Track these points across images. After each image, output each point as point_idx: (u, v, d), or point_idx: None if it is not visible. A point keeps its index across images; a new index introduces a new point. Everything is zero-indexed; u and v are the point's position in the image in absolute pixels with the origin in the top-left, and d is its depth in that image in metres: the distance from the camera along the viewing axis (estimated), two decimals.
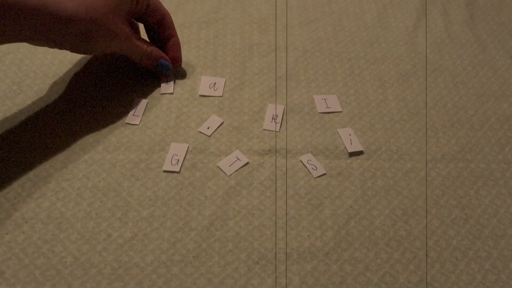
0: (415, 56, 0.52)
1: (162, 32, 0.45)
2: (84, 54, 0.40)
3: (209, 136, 0.43)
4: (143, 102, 0.45)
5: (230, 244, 0.36)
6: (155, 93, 0.46)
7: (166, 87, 0.46)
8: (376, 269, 0.36)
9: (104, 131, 0.42)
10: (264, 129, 0.44)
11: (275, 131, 0.44)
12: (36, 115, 0.43)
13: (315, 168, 0.41)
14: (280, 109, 0.45)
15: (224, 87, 0.47)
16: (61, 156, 0.40)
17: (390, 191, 0.40)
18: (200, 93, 0.46)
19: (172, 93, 0.46)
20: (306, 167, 0.41)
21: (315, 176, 0.41)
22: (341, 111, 0.46)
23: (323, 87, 0.48)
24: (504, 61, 0.52)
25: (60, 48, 0.38)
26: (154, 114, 0.44)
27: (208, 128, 0.43)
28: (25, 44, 0.49)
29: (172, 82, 0.47)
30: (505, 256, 0.37)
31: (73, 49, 0.39)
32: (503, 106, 0.47)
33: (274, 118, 0.44)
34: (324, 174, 0.41)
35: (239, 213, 0.38)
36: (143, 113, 0.44)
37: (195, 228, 0.37)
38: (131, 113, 0.44)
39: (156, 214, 0.38)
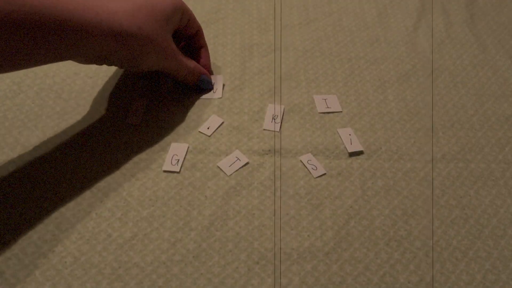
0: (415, 56, 0.52)
1: (195, 43, 0.46)
2: (131, 70, 0.40)
3: (209, 136, 0.43)
4: (143, 102, 0.45)
5: (230, 244, 0.36)
6: (155, 93, 0.46)
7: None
8: (376, 269, 0.36)
9: (104, 131, 0.42)
10: (264, 129, 0.44)
11: (275, 131, 0.44)
12: (36, 115, 0.43)
13: (315, 168, 0.41)
14: (280, 109, 0.45)
15: (223, 88, 0.47)
16: (60, 156, 0.40)
17: (390, 191, 0.40)
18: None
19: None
20: (306, 167, 0.41)
21: (315, 176, 0.41)
22: (341, 111, 0.46)
23: (323, 87, 0.48)
24: (504, 61, 0.52)
25: (109, 65, 0.39)
26: (154, 114, 0.44)
27: (208, 128, 0.43)
28: None
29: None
30: (505, 256, 0.37)
31: (123, 66, 0.39)
32: (503, 106, 0.47)
33: (274, 118, 0.44)
34: (324, 174, 0.41)
35: (239, 213, 0.38)
36: (143, 113, 0.44)
37: (195, 228, 0.37)
38: (131, 113, 0.44)
39: (156, 214, 0.38)
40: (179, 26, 0.43)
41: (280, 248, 0.36)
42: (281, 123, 0.44)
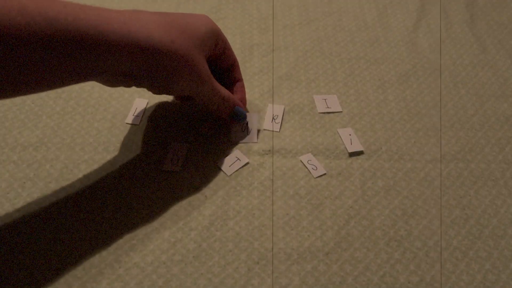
0: (415, 56, 0.52)
1: (230, 76, 0.42)
2: (162, 93, 0.36)
3: (209, 136, 0.43)
4: (143, 102, 0.45)
5: (230, 244, 0.36)
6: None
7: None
8: (376, 269, 0.36)
9: (104, 131, 0.42)
10: (264, 129, 0.44)
11: (275, 131, 0.43)
12: (36, 115, 0.43)
13: (315, 168, 0.41)
14: (280, 109, 0.45)
15: (258, 132, 0.44)
16: (61, 156, 0.40)
17: (390, 191, 0.40)
18: None
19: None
20: (306, 167, 0.41)
21: (315, 176, 0.41)
22: (341, 111, 0.46)
23: (323, 87, 0.48)
24: (504, 61, 0.52)
25: (138, 86, 0.35)
26: (154, 114, 0.44)
27: (208, 128, 0.43)
28: None
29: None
30: (506, 256, 0.37)
31: (153, 86, 0.35)
32: (503, 106, 0.47)
33: (274, 118, 0.44)
34: (324, 174, 0.41)
35: (239, 213, 0.38)
36: (143, 113, 0.44)
37: (195, 228, 0.37)
38: (131, 113, 0.44)
39: (156, 214, 0.38)
40: (214, 53, 0.39)
41: (281, 248, 0.36)
42: (281, 123, 0.44)
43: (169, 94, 0.39)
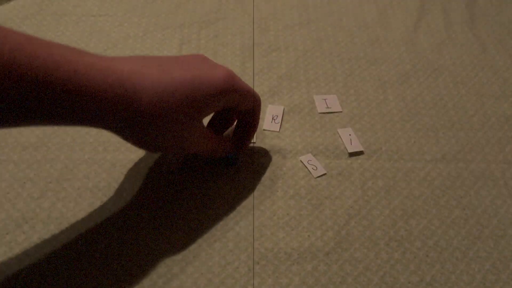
0: (415, 56, 0.52)
1: (246, 118, 0.38)
2: (151, 152, 0.34)
3: None
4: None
5: (230, 244, 0.36)
6: None
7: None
8: (376, 269, 0.36)
9: (104, 131, 0.42)
10: (264, 129, 0.44)
11: (275, 131, 0.43)
12: None
13: (315, 168, 0.41)
14: (280, 109, 0.45)
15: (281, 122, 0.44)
16: (61, 156, 0.40)
17: (390, 191, 0.40)
18: None
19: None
20: (306, 167, 0.41)
21: (315, 176, 0.41)
22: (341, 111, 0.46)
23: (323, 87, 0.48)
24: (504, 61, 0.52)
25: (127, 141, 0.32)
26: None
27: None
28: None
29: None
30: (505, 256, 0.37)
31: (137, 145, 0.31)
32: (503, 106, 0.47)
33: (274, 118, 0.44)
34: (324, 174, 0.41)
35: (239, 213, 0.38)
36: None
37: (196, 228, 0.37)
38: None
39: (156, 214, 0.38)
40: (226, 105, 0.34)
41: (281, 248, 0.36)
42: (281, 123, 0.44)
43: (158, 152, 0.38)
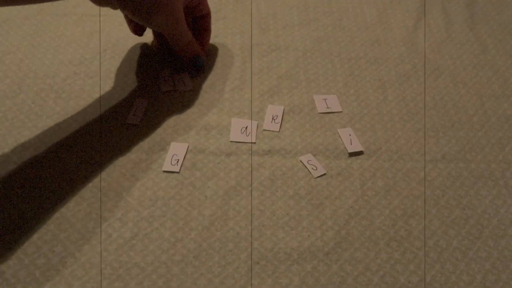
0: (415, 56, 0.52)
1: (201, 24, 0.47)
2: (141, 23, 0.42)
3: (209, 136, 0.43)
4: (143, 102, 0.45)
5: (230, 244, 0.36)
6: (155, 93, 0.46)
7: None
8: (376, 269, 0.36)
9: (104, 131, 0.42)
10: (264, 130, 0.44)
11: (275, 131, 0.43)
12: (36, 115, 0.43)
13: (315, 168, 0.41)
14: (280, 109, 0.45)
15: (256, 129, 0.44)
16: (61, 156, 0.40)
17: (390, 191, 0.40)
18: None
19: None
20: (306, 167, 0.41)
21: (315, 176, 0.41)
22: (341, 111, 0.46)
23: (323, 87, 0.48)
24: (504, 61, 0.52)
25: (122, 10, 0.40)
26: (154, 114, 0.44)
27: (208, 128, 0.43)
28: (25, 44, 0.49)
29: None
30: (505, 256, 0.37)
31: (135, 13, 0.40)
32: (503, 106, 0.47)
33: (274, 118, 0.44)
34: (324, 174, 0.41)
35: (239, 213, 0.38)
36: (143, 113, 0.44)
37: (195, 228, 0.37)
38: (131, 113, 0.44)
39: (156, 214, 0.38)
40: (191, 4, 0.44)
41: (281, 248, 0.36)
42: (281, 123, 0.44)
43: (147, 26, 0.43)
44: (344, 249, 0.37)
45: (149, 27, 0.44)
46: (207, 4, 0.47)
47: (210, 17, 0.48)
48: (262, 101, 0.46)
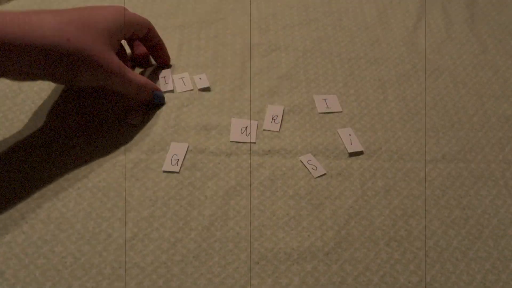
0: (415, 56, 0.52)
1: (150, 40, 0.45)
2: (69, 86, 0.39)
3: (209, 136, 0.43)
4: (144, 102, 0.45)
5: (230, 244, 0.36)
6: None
7: (166, 86, 0.46)
8: (376, 269, 0.36)
9: (104, 131, 0.42)
10: (264, 130, 0.44)
11: (275, 131, 0.44)
12: (36, 115, 0.43)
13: (315, 168, 0.41)
14: (280, 109, 0.45)
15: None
16: (61, 156, 0.40)
17: (390, 191, 0.40)
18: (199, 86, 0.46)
19: (172, 91, 0.45)
20: (306, 167, 0.41)
21: (315, 176, 0.41)
22: (341, 111, 0.46)
23: (323, 87, 0.48)
24: (504, 61, 0.52)
25: (43, 79, 0.37)
26: (154, 114, 0.44)
27: (207, 128, 0.43)
28: None
29: (171, 79, 0.46)
30: (506, 256, 0.37)
31: (56, 81, 0.38)
32: (503, 106, 0.47)
33: (274, 118, 0.44)
34: (324, 174, 0.41)
35: (239, 213, 0.38)
36: (143, 113, 0.44)
37: (195, 228, 0.37)
38: (131, 113, 0.44)
39: (156, 214, 0.38)
40: (136, 37, 0.43)
41: (281, 248, 0.36)
42: (281, 123, 0.44)
43: (76, 86, 0.41)
44: (344, 249, 0.37)
45: (81, 86, 0.40)
46: (156, 34, 0.45)
47: (153, 28, 0.44)
48: (262, 101, 0.46)
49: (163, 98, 0.45)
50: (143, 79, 0.42)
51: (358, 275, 0.35)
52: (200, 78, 0.47)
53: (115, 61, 0.38)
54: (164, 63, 0.48)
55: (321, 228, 0.38)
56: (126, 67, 0.40)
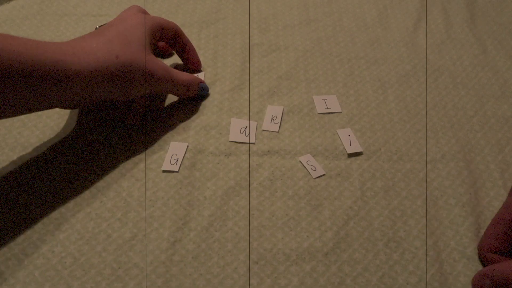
0: (415, 57, 0.52)
1: (178, 43, 0.46)
2: (126, 99, 0.40)
3: (209, 136, 0.43)
4: (144, 102, 0.45)
5: (229, 244, 0.36)
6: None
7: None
8: (375, 270, 0.36)
9: (104, 131, 0.43)
10: (263, 130, 0.44)
11: (274, 132, 0.44)
12: (36, 115, 0.43)
13: (314, 169, 0.41)
14: (280, 109, 0.45)
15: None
16: (60, 156, 0.41)
17: (389, 192, 0.40)
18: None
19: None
20: (306, 168, 0.41)
21: (314, 177, 0.41)
22: (340, 112, 0.46)
23: (323, 87, 0.48)
24: (504, 62, 0.52)
25: (102, 101, 0.39)
26: (154, 114, 0.44)
27: (207, 128, 0.43)
28: None
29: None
30: None
31: (115, 98, 0.39)
32: (503, 107, 0.47)
33: (273, 118, 0.44)
34: (323, 174, 0.41)
35: (238, 213, 0.38)
36: (143, 113, 0.44)
37: (195, 228, 0.37)
38: (131, 113, 0.44)
39: (155, 214, 0.38)
40: (165, 40, 0.44)
41: (280, 248, 0.36)
42: (280, 123, 0.44)
43: (133, 98, 0.41)
44: (343, 249, 0.37)
45: (136, 97, 0.41)
46: (183, 35, 0.45)
47: (180, 30, 0.45)
48: (262, 101, 0.46)
49: (208, 88, 0.46)
50: (188, 76, 0.43)
51: (357, 276, 0.35)
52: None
53: (161, 66, 0.39)
54: (193, 68, 0.48)
55: (320, 228, 0.38)
56: (171, 69, 0.41)
